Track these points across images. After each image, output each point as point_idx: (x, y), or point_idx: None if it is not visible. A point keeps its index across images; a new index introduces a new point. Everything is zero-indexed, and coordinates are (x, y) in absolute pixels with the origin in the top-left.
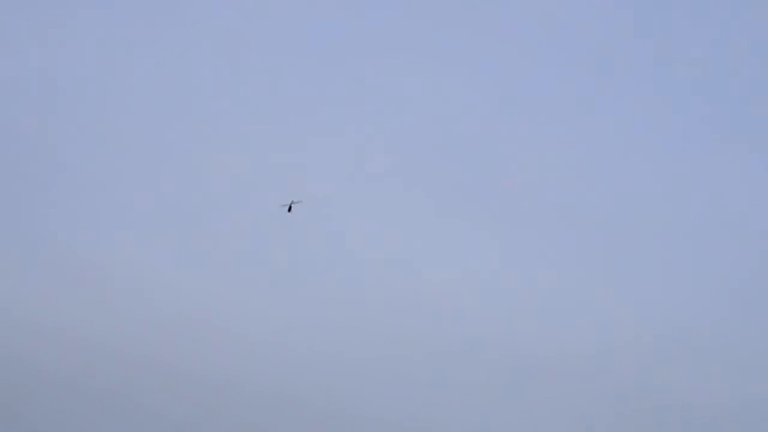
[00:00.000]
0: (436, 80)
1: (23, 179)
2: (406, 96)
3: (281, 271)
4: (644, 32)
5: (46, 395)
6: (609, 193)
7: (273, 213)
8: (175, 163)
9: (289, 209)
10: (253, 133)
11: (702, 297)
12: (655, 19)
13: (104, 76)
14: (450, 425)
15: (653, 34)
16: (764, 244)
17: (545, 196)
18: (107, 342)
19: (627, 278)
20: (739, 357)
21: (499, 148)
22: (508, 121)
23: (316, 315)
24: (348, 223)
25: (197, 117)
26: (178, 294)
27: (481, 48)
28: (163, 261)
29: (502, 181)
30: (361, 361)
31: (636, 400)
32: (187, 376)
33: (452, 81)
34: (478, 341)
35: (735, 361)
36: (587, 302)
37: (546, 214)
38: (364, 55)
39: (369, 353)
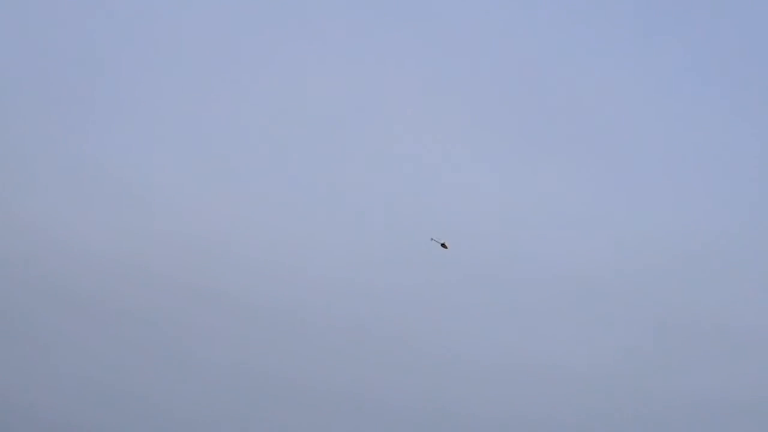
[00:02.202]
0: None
1: (67, 94)
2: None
3: (325, 200)
4: None
5: (74, 315)
6: (636, 105)
7: (313, 142)
8: (224, 89)
9: (443, 245)
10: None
11: (742, 213)
12: None
13: None
14: (480, 349)
15: None
16: None
17: (588, 117)
18: (140, 265)
19: (655, 194)
20: None
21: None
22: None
23: (351, 243)
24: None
25: (252, 41)
26: (215, 221)
27: None
28: (200, 188)
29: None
30: (396, 288)
31: (671, 324)
32: (224, 301)
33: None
34: (506, 261)
35: None
36: (613, 219)
37: (577, 132)
38: None
39: (404, 279)
